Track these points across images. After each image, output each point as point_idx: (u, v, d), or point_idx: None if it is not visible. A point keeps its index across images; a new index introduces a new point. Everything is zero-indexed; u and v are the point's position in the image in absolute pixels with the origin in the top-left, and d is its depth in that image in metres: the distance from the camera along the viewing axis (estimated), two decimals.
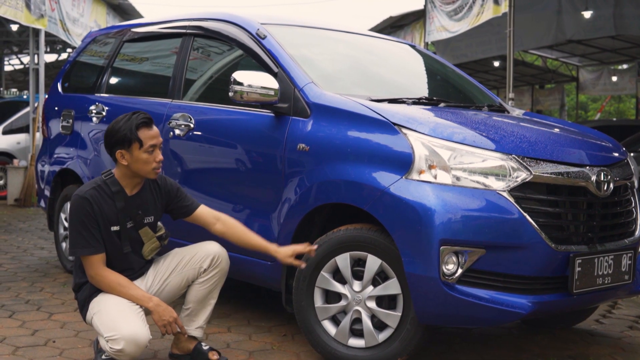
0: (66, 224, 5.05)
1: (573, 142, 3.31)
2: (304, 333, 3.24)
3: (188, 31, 4.33)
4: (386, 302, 3.05)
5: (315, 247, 3.07)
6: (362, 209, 3.05)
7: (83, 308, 2.99)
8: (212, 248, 3.08)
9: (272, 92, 3.39)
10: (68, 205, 5.00)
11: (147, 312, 2.94)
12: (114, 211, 2.94)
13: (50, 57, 18.88)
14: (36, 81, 10.56)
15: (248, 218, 3.59)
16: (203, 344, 3.13)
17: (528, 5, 12.12)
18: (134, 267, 3.06)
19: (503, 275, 2.88)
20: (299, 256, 3.32)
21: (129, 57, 5.00)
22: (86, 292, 2.98)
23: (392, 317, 3.02)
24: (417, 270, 2.84)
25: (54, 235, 5.26)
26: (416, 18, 13.53)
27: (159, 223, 3.17)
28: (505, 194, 2.87)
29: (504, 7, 8.45)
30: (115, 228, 2.95)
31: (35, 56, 10.68)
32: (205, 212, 3.15)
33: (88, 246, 2.88)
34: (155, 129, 2.98)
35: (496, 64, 19.55)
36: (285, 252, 3.01)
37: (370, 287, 3.06)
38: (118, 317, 2.80)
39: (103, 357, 2.87)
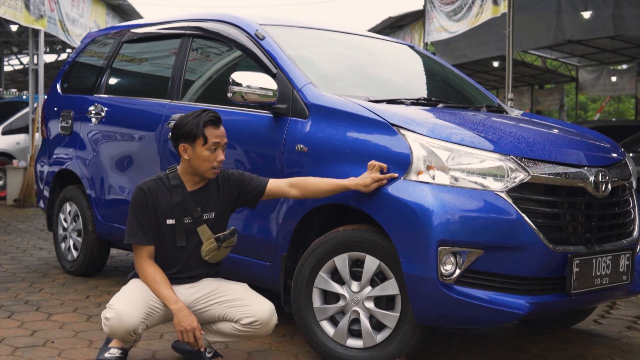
0: (65, 225, 5.07)
1: (571, 142, 3.32)
2: (302, 333, 3.24)
3: (187, 32, 4.33)
4: (384, 302, 3.05)
5: (395, 174, 2.97)
6: (360, 209, 3.06)
7: None
8: (261, 311, 2.97)
9: (270, 93, 3.39)
10: (67, 206, 5.02)
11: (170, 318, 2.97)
12: (169, 204, 2.99)
13: (50, 58, 18.89)
14: (35, 81, 10.56)
15: (247, 218, 3.59)
16: (208, 349, 3.12)
17: (527, 6, 12.13)
18: (176, 268, 3.03)
19: (501, 276, 2.88)
20: (295, 259, 3.33)
21: (128, 58, 5.01)
22: (131, 272, 3.12)
23: (390, 318, 3.02)
24: (415, 270, 2.84)
25: (53, 236, 5.26)
26: (415, 18, 13.55)
27: (233, 228, 3.12)
28: (503, 195, 2.87)
29: (503, 8, 8.45)
30: (170, 221, 3.00)
31: (35, 56, 10.68)
32: (277, 184, 3.14)
33: (134, 234, 3.00)
34: (222, 129, 3.01)
35: (495, 64, 19.57)
36: (365, 183, 2.96)
37: (369, 288, 3.06)
38: (127, 295, 2.93)
39: (107, 355, 2.92)
